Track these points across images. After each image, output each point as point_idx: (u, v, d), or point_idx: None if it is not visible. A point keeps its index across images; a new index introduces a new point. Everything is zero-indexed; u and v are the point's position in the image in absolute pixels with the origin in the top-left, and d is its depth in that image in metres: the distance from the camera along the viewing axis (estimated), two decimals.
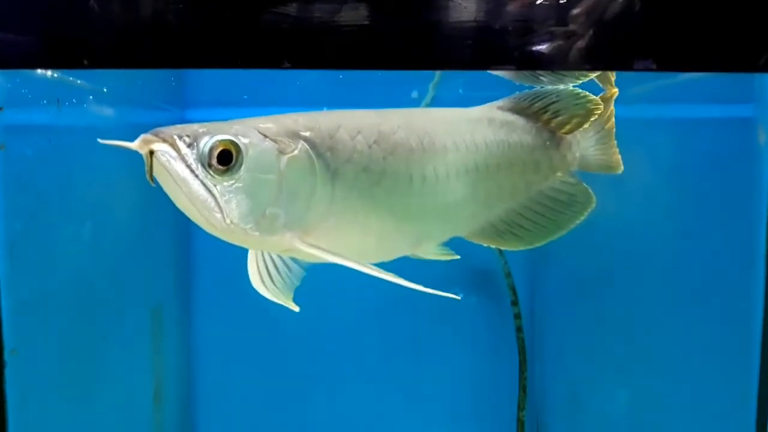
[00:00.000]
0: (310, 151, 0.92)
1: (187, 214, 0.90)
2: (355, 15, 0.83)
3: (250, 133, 0.89)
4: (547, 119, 1.19)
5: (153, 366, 1.67)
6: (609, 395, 1.83)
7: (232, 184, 0.86)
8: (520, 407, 1.97)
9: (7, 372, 0.99)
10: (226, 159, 0.86)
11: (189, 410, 1.94)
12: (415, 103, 1.77)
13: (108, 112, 1.42)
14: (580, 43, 0.91)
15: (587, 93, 1.19)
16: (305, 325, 1.96)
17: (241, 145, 0.87)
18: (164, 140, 0.84)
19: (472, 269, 2.02)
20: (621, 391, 1.81)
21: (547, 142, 1.18)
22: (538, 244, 1.25)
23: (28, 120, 1.12)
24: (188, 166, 0.85)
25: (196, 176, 0.85)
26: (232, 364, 1.99)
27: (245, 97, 1.92)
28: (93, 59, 0.81)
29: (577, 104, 1.19)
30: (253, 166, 0.87)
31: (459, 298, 0.98)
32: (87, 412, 1.30)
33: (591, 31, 0.91)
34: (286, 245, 0.94)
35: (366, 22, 0.82)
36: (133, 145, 0.83)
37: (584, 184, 1.23)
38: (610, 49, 0.92)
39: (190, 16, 0.82)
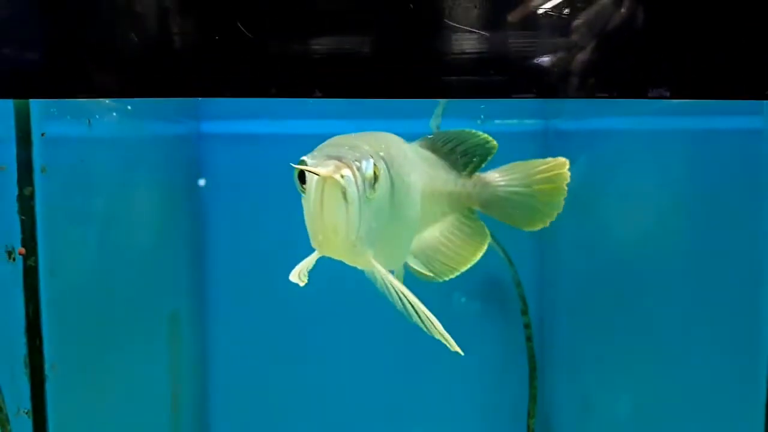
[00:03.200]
0: (387, 169, 0.98)
1: (321, 232, 0.93)
2: (384, 46, 0.87)
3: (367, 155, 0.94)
4: (455, 159, 1.25)
5: (170, 372, 1.70)
6: (619, 403, 1.85)
7: (369, 203, 0.92)
8: (530, 415, 2.00)
9: (48, 386, 1.02)
10: (376, 181, 0.92)
11: (205, 417, 1.97)
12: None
13: (131, 126, 1.45)
14: (592, 72, 0.95)
15: (487, 136, 1.25)
16: (318, 332, 2.00)
17: (380, 168, 0.93)
18: (347, 166, 0.88)
19: (482, 278, 2.05)
20: (631, 399, 1.83)
21: (458, 180, 1.24)
22: (444, 277, 1.30)
23: (60, 137, 1.16)
24: (357, 189, 0.90)
25: (359, 198, 0.90)
26: (247, 371, 2.02)
27: (258, 109, 1.95)
28: (134, 90, 0.85)
29: (477, 146, 1.25)
30: (377, 186, 0.94)
31: (461, 353, 1.04)
32: (112, 418, 1.33)
33: (602, 61, 0.95)
34: (366, 260, 0.99)
35: (396, 53, 0.87)
36: (328, 171, 0.87)
37: (482, 222, 1.28)
38: (623, 78, 0.96)
39: (226, 48, 0.86)
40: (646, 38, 0.94)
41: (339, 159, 0.88)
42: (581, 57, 0.95)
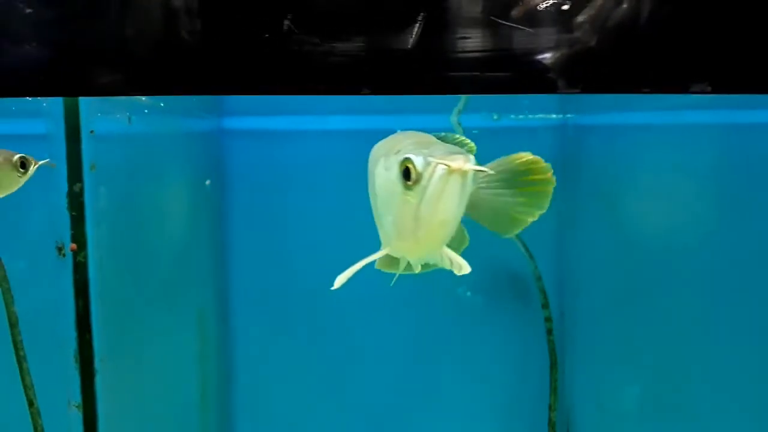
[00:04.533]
0: None
1: (427, 226, 0.93)
2: (432, 41, 0.88)
3: None
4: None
5: (199, 365, 1.72)
6: (638, 396, 1.87)
7: None
8: (551, 408, 2.02)
9: (98, 380, 1.04)
10: None
11: (229, 409, 1.99)
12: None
13: (164, 123, 1.46)
14: (633, 66, 0.96)
15: (463, 138, 1.24)
16: (339, 328, 2.01)
17: None
18: (468, 160, 0.90)
19: (502, 273, 2.07)
20: (650, 392, 1.85)
21: None
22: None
23: (105, 134, 1.17)
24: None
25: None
26: (268, 364, 2.03)
27: (278, 105, 1.97)
28: (185, 87, 0.86)
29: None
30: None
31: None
32: (152, 409, 1.35)
33: (643, 55, 0.96)
34: (441, 251, 1.01)
35: (445, 48, 0.88)
36: (458, 164, 0.88)
37: (462, 226, 1.28)
38: (665, 72, 0.97)
39: (274, 45, 0.87)
40: (687, 31, 0.95)
41: (464, 155, 0.89)
42: (623, 51, 0.96)
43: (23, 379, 1.54)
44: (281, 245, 2.01)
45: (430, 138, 1.02)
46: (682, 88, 0.96)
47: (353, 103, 1.90)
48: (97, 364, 1.07)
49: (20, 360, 1.55)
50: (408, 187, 0.91)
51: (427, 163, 0.89)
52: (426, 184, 0.89)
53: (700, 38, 0.96)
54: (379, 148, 1.07)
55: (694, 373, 1.74)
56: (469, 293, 2.06)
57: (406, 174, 0.91)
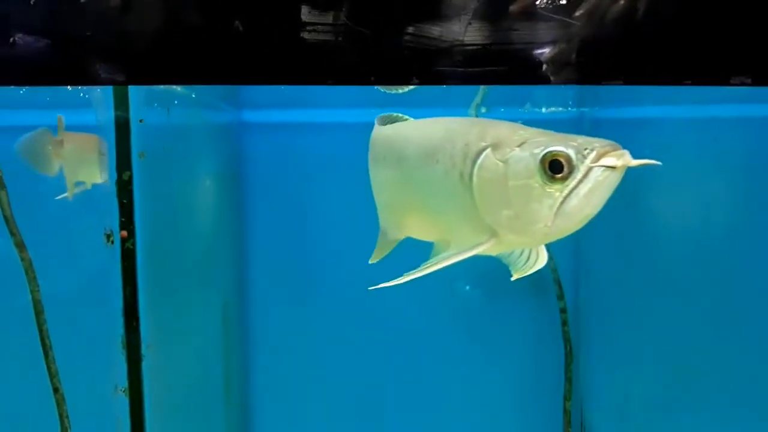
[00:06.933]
0: None
1: (567, 221, 0.90)
2: (479, 33, 0.89)
3: None
4: None
5: (223, 354, 1.73)
6: (651, 387, 1.89)
7: None
8: (566, 397, 2.04)
9: (144, 366, 1.05)
10: None
11: (249, 396, 1.99)
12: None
13: (195, 115, 1.47)
14: (674, 58, 0.98)
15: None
16: (358, 318, 2.02)
17: None
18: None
19: None
20: (662, 383, 1.86)
21: None
22: None
23: (148, 124, 1.18)
24: None
25: None
26: (288, 357, 2.04)
27: (297, 98, 1.97)
28: (237, 77, 0.87)
29: None
30: None
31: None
32: (188, 395, 1.36)
33: (684, 47, 0.97)
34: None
35: (491, 41, 0.89)
36: (626, 159, 0.86)
37: None
38: (705, 64, 0.98)
39: (327, 36, 0.88)
40: (728, 23, 0.96)
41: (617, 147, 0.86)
42: (663, 43, 0.97)
43: (48, 367, 1.55)
44: (300, 236, 2.02)
45: (518, 125, 0.98)
46: (722, 80, 0.98)
47: (371, 96, 1.90)
48: (144, 350, 1.09)
49: (46, 348, 1.57)
50: (554, 181, 0.86)
51: (582, 156, 0.85)
52: (581, 177, 0.85)
53: (741, 30, 0.97)
54: (440, 137, 1.00)
55: (706, 365, 1.75)
56: (467, 287, 2.07)
57: (554, 167, 0.86)
